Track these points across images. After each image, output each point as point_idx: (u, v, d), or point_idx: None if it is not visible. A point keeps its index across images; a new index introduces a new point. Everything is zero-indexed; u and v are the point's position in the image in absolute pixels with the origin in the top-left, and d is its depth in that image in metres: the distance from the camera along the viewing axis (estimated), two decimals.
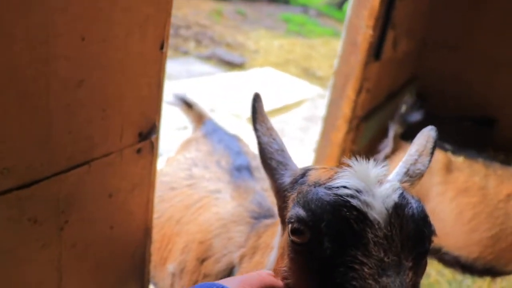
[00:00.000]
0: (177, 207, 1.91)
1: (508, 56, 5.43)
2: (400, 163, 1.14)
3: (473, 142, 4.54)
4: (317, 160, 3.91)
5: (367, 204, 0.81)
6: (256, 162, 2.00)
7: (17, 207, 1.09)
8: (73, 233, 1.30)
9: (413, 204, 0.85)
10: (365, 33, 3.45)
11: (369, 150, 4.00)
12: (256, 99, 1.22)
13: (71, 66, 1.08)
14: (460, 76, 5.70)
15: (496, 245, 2.72)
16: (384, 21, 3.67)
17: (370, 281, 0.75)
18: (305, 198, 0.86)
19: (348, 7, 3.52)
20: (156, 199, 1.97)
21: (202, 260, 1.58)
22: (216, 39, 9.57)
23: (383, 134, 4.12)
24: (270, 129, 1.18)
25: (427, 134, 1.20)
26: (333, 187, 0.85)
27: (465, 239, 2.76)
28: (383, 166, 0.92)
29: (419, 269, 0.83)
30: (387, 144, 2.98)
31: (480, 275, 2.98)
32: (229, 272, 1.48)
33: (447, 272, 3.44)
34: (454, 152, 2.86)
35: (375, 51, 3.72)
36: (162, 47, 1.34)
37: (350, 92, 3.64)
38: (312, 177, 0.96)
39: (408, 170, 1.10)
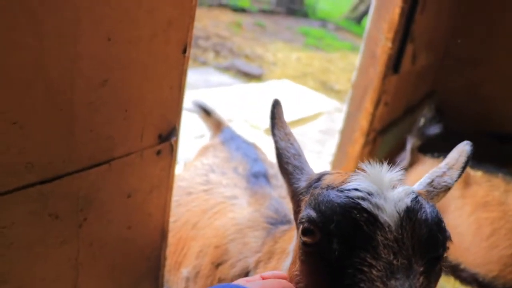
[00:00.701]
0: (193, 211, 1.91)
1: None
2: (427, 174, 1.13)
3: (494, 158, 4.48)
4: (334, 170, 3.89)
5: (378, 207, 0.81)
6: (273, 170, 2.00)
7: (39, 201, 1.11)
8: (91, 231, 1.31)
9: (427, 208, 0.84)
10: (384, 46, 3.45)
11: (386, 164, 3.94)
12: (276, 105, 1.24)
13: (96, 65, 1.11)
14: (480, 91, 5.64)
15: None
16: (404, 34, 3.67)
17: (378, 284, 0.74)
18: (316, 200, 0.87)
19: (368, 19, 3.53)
20: (173, 204, 1.98)
21: (217, 265, 1.58)
22: (234, 50, 9.66)
23: (400, 148, 4.08)
24: (288, 134, 1.19)
25: (462, 149, 1.19)
26: (345, 190, 0.86)
27: (484, 255, 2.70)
28: (397, 171, 0.91)
29: (432, 275, 0.81)
30: (405, 157, 2.95)
31: None
32: (245, 276, 1.48)
33: None
34: (473, 166, 2.81)
35: (394, 64, 3.71)
36: (185, 51, 1.36)
37: (368, 105, 3.63)
38: (326, 181, 0.97)
39: (432, 181, 1.09)
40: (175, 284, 1.87)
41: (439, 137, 4.77)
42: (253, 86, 7.77)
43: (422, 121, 2.91)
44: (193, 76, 7.41)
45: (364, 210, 0.81)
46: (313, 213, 0.85)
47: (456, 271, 2.85)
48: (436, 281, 0.85)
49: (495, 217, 2.66)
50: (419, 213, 0.82)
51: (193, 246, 1.79)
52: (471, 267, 2.75)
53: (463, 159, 1.15)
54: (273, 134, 1.17)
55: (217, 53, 9.14)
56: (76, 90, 1.09)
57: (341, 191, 0.86)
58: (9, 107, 0.95)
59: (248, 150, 2.19)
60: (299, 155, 1.13)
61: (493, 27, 5.53)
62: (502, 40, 5.49)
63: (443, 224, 0.86)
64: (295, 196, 1.06)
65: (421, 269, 0.78)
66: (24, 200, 1.07)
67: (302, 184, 1.06)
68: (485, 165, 2.91)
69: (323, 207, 0.84)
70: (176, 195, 2.04)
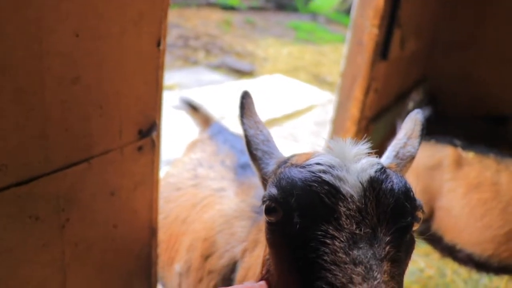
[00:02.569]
0: (182, 206, 1.91)
1: None
2: (389, 147, 1.15)
3: (487, 141, 4.48)
4: None
5: (339, 179, 0.81)
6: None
7: (16, 204, 1.10)
8: (75, 231, 1.30)
9: (393, 178, 0.84)
10: (371, 33, 3.44)
11: (380, 151, 3.94)
12: (245, 96, 1.24)
13: (66, 62, 1.10)
14: (471, 75, 5.64)
15: (510, 242, 2.66)
16: (390, 20, 3.66)
17: (341, 254, 0.74)
18: (278, 178, 0.87)
19: (353, 7, 3.52)
20: (162, 200, 1.98)
21: (206, 257, 1.58)
22: (225, 48, 9.64)
23: (394, 134, 4.09)
24: (257, 122, 1.20)
25: (414, 118, 1.21)
26: (307, 165, 0.86)
27: (478, 236, 2.71)
28: (363, 145, 0.91)
29: (401, 245, 0.81)
30: None
31: (497, 273, 2.91)
32: (232, 267, 1.47)
33: (463, 271, 3.37)
34: (464, 147, 2.81)
35: (382, 50, 3.70)
36: (159, 44, 1.35)
37: (357, 93, 3.62)
38: (292, 160, 0.97)
39: (397, 153, 1.11)
40: (169, 280, 1.87)
41: (431, 120, 4.78)
42: (244, 82, 7.75)
43: (411, 105, 2.91)
44: (184, 75, 7.40)
45: (325, 182, 0.80)
46: (274, 191, 0.85)
47: (453, 252, 2.86)
48: (408, 251, 0.84)
49: (488, 198, 2.66)
50: (384, 183, 0.82)
51: (184, 241, 1.79)
52: (466, 247, 2.76)
53: (418, 127, 1.17)
54: (242, 123, 1.17)
55: (208, 52, 9.11)
56: (47, 89, 1.08)
57: (303, 167, 0.86)
58: None
59: (235, 142, 2.18)
60: (267, 140, 1.13)
61: (481, 9, 5.52)
62: (490, 21, 5.48)
63: (411, 194, 0.85)
64: (265, 181, 1.06)
65: (388, 238, 0.77)
66: (1, 203, 1.06)
67: (271, 167, 1.06)
68: (476, 146, 2.91)
69: (283, 183, 0.84)
70: (165, 192, 2.04)
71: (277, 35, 12.15)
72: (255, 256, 1.35)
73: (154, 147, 1.49)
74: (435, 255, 3.50)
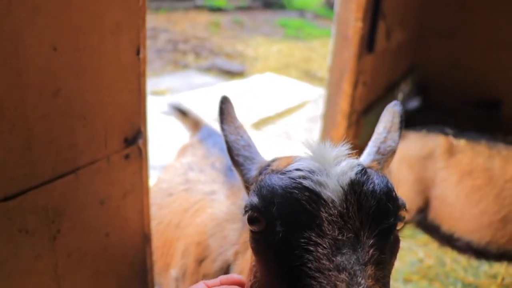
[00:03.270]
0: (175, 212, 1.92)
1: (508, 36, 5.37)
2: (370, 143, 1.13)
3: (479, 127, 4.51)
4: None
5: (320, 184, 0.80)
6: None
7: (5, 218, 1.10)
8: (67, 242, 1.31)
9: (375, 179, 0.83)
10: (355, 26, 3.45)
11: None
12: (224, 101, 1.23)
13: (45, 76, 1.11)
14: (460, 62, 5.66)
15: (507, 227, 2.67)
16: (374, 12, 3.67)
17: (324, 261, 0.73)
18: (259, 186, 0.86)
19: (336, 1, 3.53)
20: (155, 206, 1.99)
21: (200, 261, 1.59)
22: (215, 50, 9.64)
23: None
24: (238, 127, 1.19)
25: (392, 110, 1.20)
26: (287, 171, 0.85)
27: (475, 222, 2.72)
28: (343, 147, 0.90)
29: (385, 246, 0.80)
30: None
31: (497, 259, 2.93)
32: (226, 270, 1.48)
33: (462, 259, 3.39)
34: (455, 135, 2.83)
35: (368, 43, 3.72)
36: (138, 53, 1.36)
37: (346, 87, 3.63)
38: (273, 166, 0.96)
39: (379, 148, 1.10)
40: (166, 286, 1.88)
41: (423, 109, 4.80)
42: (235, 83, 7.76)
43: (400, 96, 2.92)
44: (175, 80, 7.40)
45: (306, 188, 0.79)
46: (255, 200, 0.84)
47: (451, 241, 2.87)
48: (393, 251, 0.84)
49: (482, 184, 2.68)
50: (365, 185, 0.81)
51: (178, 246, 1.80)
52: (464, 235, 2.77)
53: (397, 119, 1.16)
54: (222, 129, 1.17)
55: (197, 54, 9.12)
56: (28, 103, 1.09)
57: (283, 173, 0.85)
58: None
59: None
60: (249, 145, 1.13)
61: None
62: (477, 7, 5.50)
63: (393, 194, 0.84)
64: (247, 186, 1.06)
65: (371, 241, 0.77)
66: None
67: (253, 173, 1.06)
68: (467, 133, 2.93)
69: (264, 192, 0.83)
70: (158, 198, 2.05)
71: (266, 34, 12.17)
72: (247, 258, 1.35)
73: (141, 154, 1.49)
74: (433, 245, 3.52)
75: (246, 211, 0.87)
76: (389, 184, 0.84)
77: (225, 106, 1.20)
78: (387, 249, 0.81)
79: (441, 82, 5.78)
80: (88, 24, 1.18)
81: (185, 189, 1.99)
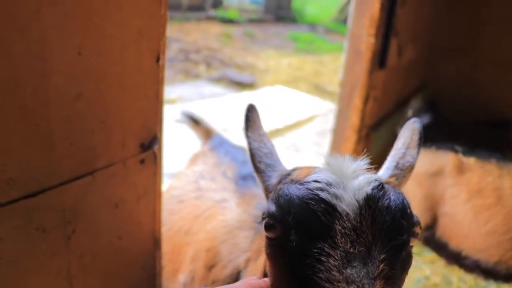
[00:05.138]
0: (186, 218, 1.94)
1: None
2: (389, 158, 1.15)
3: (490, 145, 4.50)
4: None
5: (336, 197, 0.81)
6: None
7: (24, 216, 1.13)
8: (81, 242, 1.34)
9: (391, 195, 0.84)
10: (368, 42, 3.49)
11: (382, 159, 3.96)
12: (250, 109, 1.25)
13: (69, 79, 1.14)
14: (471, 79, 5.67)
15: None
16: (386, 28, 3.70)
17: (335, 273, 0.75)
18: (277, 195, 0.88)
19: (349, 17, 3.57)
20: (166, 212, 2.01)
21: (210, 267, 1.60)
22: (226, 61, 9.72)
23: (395, 141, 4.10)
24: (262, 135, 1.21)
25: (412, 127, 1.21)
26: (305, 182, 0.87)
27: (483, 242, 2.71)
28: (362, 161, 0.92)
29: (396, 262, 0.81)
30: None
31: (505, 280, 2.89)
32: (236, 276, 1.50)
33: (469, 279, 3.35)
34: (465, 153, 2.83)
35: (379, 59, 3.75)
36: (158, 60, 1.39)
37: (357, 102, 3.65)
38: (293, 176, 0.98)
39: (397, 164, 1.11)
40: None
41: (433, 126, 4.79)
42: (246, 94, 7.81)
43: (410, 112, 2.93)
44: (186, 89, 7.47)
45: (322, 200, 0.81)
46: (273, 208, 0.86)
47: (459, 259, 2.86)
48: (404, 268, 0.85)
49: (491, 203, 2.67)
50: (380, 201, 0.82)
51: (187, 252, 1.81)
52: (472, 253, 2.75)
53: (416, 137, 1.17)
54: (247, 136, 1.19)
55: (208, 65, 9.20)
56: (51, 106, 1.12)
57: (302, 183, 0.87)
58: None
59: (236, 153, 2.21)
60: (271, 153, 1.15)
61: (477, 12, 5.57)
62: (488, 25, 5.52)
63: (408, 211, 0.85)
64: (267, 193, 1.08)
65: (382, 256, 0.78)
66: (10, 216, 1.10)
67: (273, 181, 1.08)
68: (478, 151, 2.92)
69: (282, 201, 0.85)
70: (169, 204, 2.07)
71: (277, 47, 12.25)
72: (258, 265, 1.36)
73: (156, 159, 1.52)
74: (440, 262, 3.49)
75: (263, 218, 0.88)
76: (404, 201, 0.86)
77: (251, 114, 1.22)
78: (398, 264, 0.82)
79: (451, 99, 5.79)
80: (112, 30, 1.22)
81: (196, 196, 2.01)
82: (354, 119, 3.69)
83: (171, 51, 9.49)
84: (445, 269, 3.50)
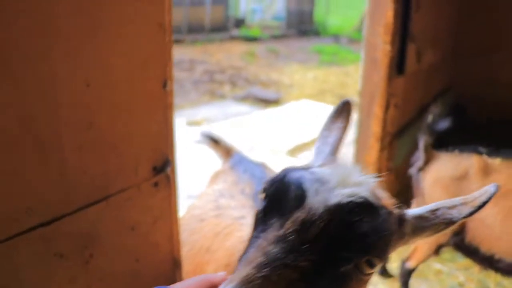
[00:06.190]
0: (206, 237, 1.97)
1: None
2: (437, 202, 1.04)
3: None
4: None
5: (314, 191, 0.86)
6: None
7: (42, 243, 1.19)
8: (100, 266, 1.39)
9: (363, 217, 0.84)
10: (384, 49, 3.48)
11: (407, 166, 3.91)
12: (344, 103, 1.27)
13: (79, 110, 1.21)
14: (498, 79, 5.54)
15: None
16: (402, 35, 3.69)
17: (261, 241, 0.83)
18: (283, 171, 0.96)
19: (364, 26, 3.58)
20: (188, 232, 2.05)
21: None
22: (250, 79, 9.84)
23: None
24: (340, 128, 1.23)
25: (486, 189, 1.04)
26: (308, 169, 0.94)
27: None
28: (370, 177, 0.94)
29: (327, 270, 0.82)
30: (419, 157, 2.92)
31: None
32: None
33: (507, 283, 3.24)
34: (490, 154, 2.76)
35: (397, 65, 3.72)
36: (165, 85, 1.45)
37: (377, 110, 3.63)
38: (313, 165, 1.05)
39: (438, 209, 1.01)
40: None
41: (459, 130, 4.69)
42: (271, 111, 7.86)
43: (430, 118, 2.89)
44: (211, 110, 7.59)
45: (301, 188, 0.87)
46: (272, 176, 0.96)
47: (492, 263, 2.76)
48: (336, 281, 0.84)
49: None
50: (346, 215, 0.83)
51: (208, 270, 1.84)
52: (505, 256, 2.67)
53: (483, 198, 1.01)
54: (325, 123, 1.25)
55: (233, 84, 9.33)
56: (63, 136, 1.19)
57: (305, 169, 0.94)
58: (4, 159, 1.06)
59: (255, 170, 2.24)
60: (329, 144, 1.19)
61: (500, 11, 5.46)
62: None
63: (371, 237, 0.84)
64: None
65: (312, 256, 0.80)
66: (29, 243, 1.16)
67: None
68: (503, 151, 2.85)
69: (280, 174, 0.94)
70: (190, 224, 2.11)
71: (301, 61, 12.31)
72: None
73: (169, 182, 1.57)
74: (475, 268, 3.39)
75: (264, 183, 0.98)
76: (374, 226, 0.85)
77: (341, 107, 1.25)
78: (328, 273, 0.83)
79: (477, 100, 5.66)
80: (118, 61, 1.28)
81: (216, 215, 2.04)
82: (375, 127, 3.67)
83: (196, 73, 9.69)
84: (480, 275, 3.39)
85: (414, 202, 3.03)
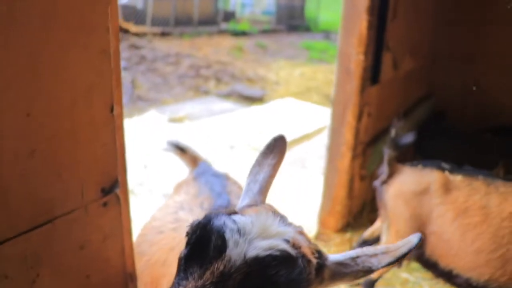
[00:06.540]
0: (163, 249, 2.01)
1: None
2: (358, 249, 1.07)
3: (497, 153, 4.43)
4: (326, 187, 3.94)
5: (235, 242, 0.89)
6: (239, 200, 2.08)
7: None
8: (47, 285, 1.42)
9: (281, 271, 0.88)
10: (357, 60, 3.52)
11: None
12: (277, 139, 1.32)
13: (20, 139, 1.23)
14: (478, 86, 5.60)
15: (506, 266, 2.61)
16: (377, 44, 3.73)
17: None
18: (209, 214, 1.00)
19: (338, 36, 3.61)
20: (147, 243, 2.09)
21: None
22: (236, 75, 9.85)
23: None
24: (270, 165, 1.26)
25: (409, 240, 1.04)
26: (231, 215, 0.98)
27: (472, 260, 2.68)
28: (292, 228, 0.99)
29: None
30: (383, 170, 2.98)
31: None
32: None
33: None
34: (452, 171, 2.82)
35: (372, 75, 3.77)
36: (112, 110, 1.48)
37: (350, 119, 3.68)
38: (243, 208, 1.09)
39: (358, 257, 1.03)
40: None
41: (441, 139, 4.76)
42: (254, 109, 7.89)
43: (393, 132, 2.95)
44: (195, 106, 7.60)
45: (222, 238, 0.90)
46: (196, 222, 0.99)
47: (450, 278, 2.84)
48: None
49: (478, 222, 2.65)
50: (264, 269, 0.87)
51: (163, 284, 1.88)
52: (462, 272, 2.73)
53: (404, 249, 1.01)
54: (257, 158, 1.27)
55: (218, 80, 9.33)
56: (5, 164, 1.22)
57: (228, 215, 0.97)
58: None
59: (215, 183, 2.28)
60: (257, 182, 1.21)
61: (479, 19, 5.52)
62: (491, 30, 5.47)
63: None
64: None
65: None
66: None
67: (240, 204, 1.18)
68: (465, 168, 2.91)
69: (203, 220, 0.98)
70: (150, 235, 2.15)
71: (289, 57, 12.32)
72: None
73: (119, 201, 1.60)
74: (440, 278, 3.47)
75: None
76: (289, 281, 0.89)
77: (274, 144, 1.29)
78: None
79: (458, 107, 5.74)
80: (60, 89, 1.31)
81: (174, 228, 2.08)
82: (348, 136, 3.72)
83: (181, 67, 9.67)
84: (446, 285, 3.47)
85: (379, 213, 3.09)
